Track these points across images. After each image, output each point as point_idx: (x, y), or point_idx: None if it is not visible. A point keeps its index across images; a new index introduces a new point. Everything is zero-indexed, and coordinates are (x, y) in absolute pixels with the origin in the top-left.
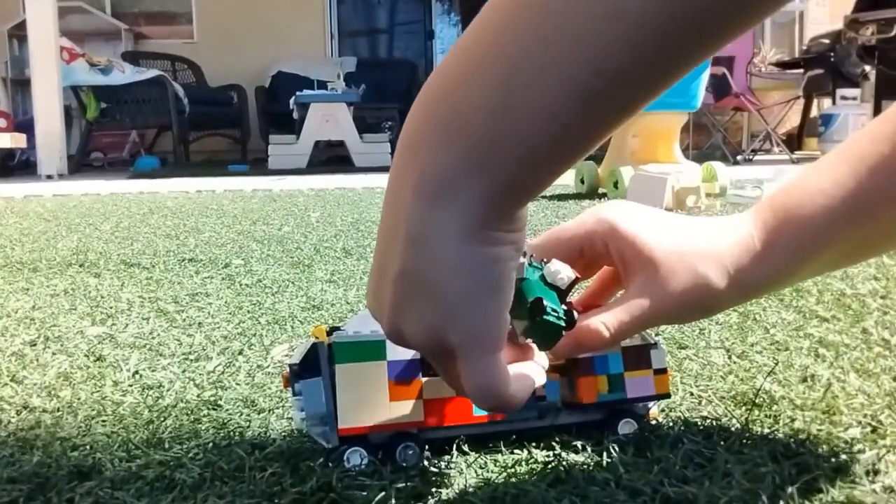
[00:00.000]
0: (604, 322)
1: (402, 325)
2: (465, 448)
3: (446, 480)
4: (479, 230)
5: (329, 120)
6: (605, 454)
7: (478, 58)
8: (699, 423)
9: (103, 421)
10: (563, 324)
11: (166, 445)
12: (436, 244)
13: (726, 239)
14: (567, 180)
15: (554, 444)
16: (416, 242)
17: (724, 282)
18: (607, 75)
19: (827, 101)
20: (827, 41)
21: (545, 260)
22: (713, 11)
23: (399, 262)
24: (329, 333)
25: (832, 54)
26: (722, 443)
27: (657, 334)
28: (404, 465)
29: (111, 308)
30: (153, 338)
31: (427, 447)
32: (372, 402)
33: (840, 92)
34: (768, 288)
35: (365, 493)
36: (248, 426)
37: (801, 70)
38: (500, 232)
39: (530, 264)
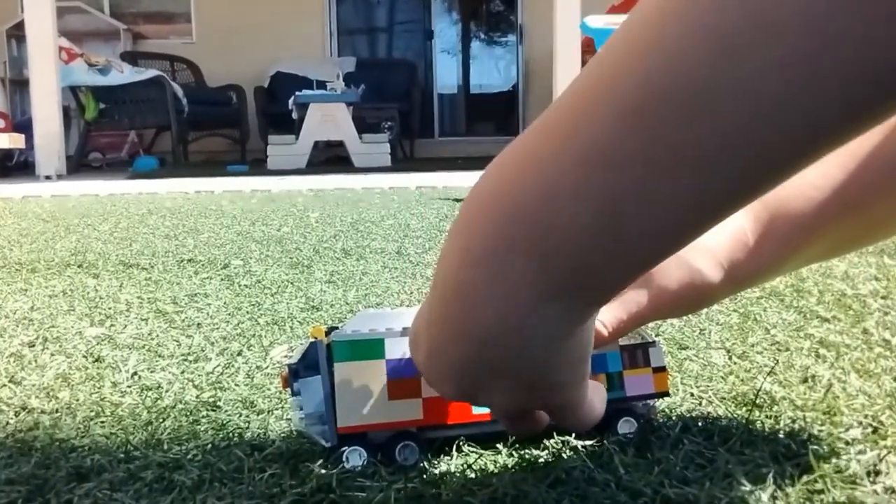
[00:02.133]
0: (601, 320)
1: (491, 398)
2: (465, 448)
3: (446, 481)
4: (580, 322)
5: (328, 120)
6: (605, 455)
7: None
8: (700, 424)
9: (102, 422)
10: None
11: (165, 447)
12: (538, 340)
13: (719, 233)
14: None
15: (554, 444)
16: (513, 334)
17: (718, 275)
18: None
19: None
20: None
21: None
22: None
23: (494, 350)
24: (327, 333)
25: None
26: (723, 443)
27: (657, 334)
28: (404, 463)
29: (110, 309)
30: (152, 339)
31: (427, 447)
32: (371, 400)
33: None
34: (761, 279)
35: (364, 494)
36: (248, 427)
37: None
38: (591, 316)
39: None
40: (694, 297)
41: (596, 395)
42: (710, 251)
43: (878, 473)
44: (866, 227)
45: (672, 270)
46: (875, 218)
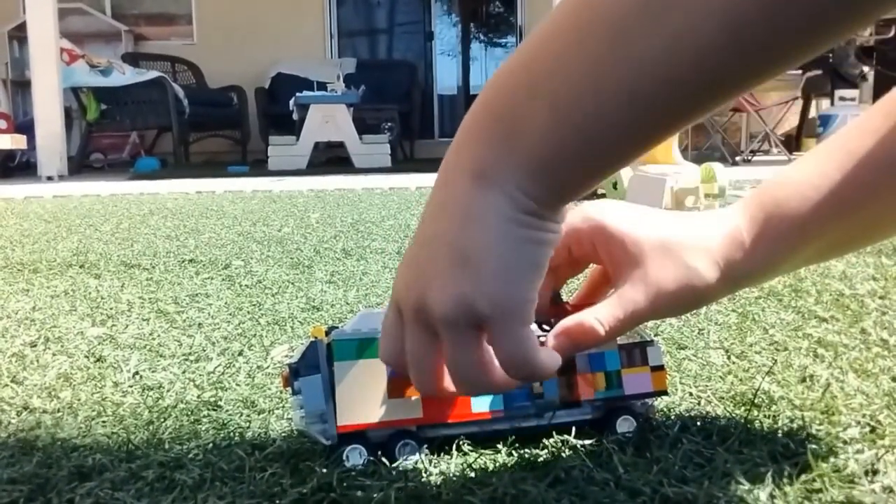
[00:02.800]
0: (598, 318)
1: (429, 292)
2: (465, 448)
3: (446, 480)
4: (525, 214)
5: (329, 121)
6: (604, 454)
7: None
8: (698, 423)
9: (103, 422)
10: None
11: (166, 446)
12: (481, 220)
13: (715, 232)
14: None
15: (553, 443)
16: (463, 217)
17: (714, 274)
18: (700, 70)
19: (825, 102)
20: None
21: None
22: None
23: (442, 233)
24: (328, 333)
25: (831, 55)
26: (721, 443)
27: (656, 334)
28: (404, 461)
29: (111, 309)
30: (153, 339)
31: (426, 446)
32: (371, 399)
33: (838, 93)
34: (757, 279)
35: (365, 493)
36: (248, 427)
37: (800, 71)
38: (543, 220)
39: None
40: (691, 297)
41: (551, 352)
42: (706, 250)
43: (875, 472)
44: (862, 228)
45: (668, 269)
46: (871, 218)
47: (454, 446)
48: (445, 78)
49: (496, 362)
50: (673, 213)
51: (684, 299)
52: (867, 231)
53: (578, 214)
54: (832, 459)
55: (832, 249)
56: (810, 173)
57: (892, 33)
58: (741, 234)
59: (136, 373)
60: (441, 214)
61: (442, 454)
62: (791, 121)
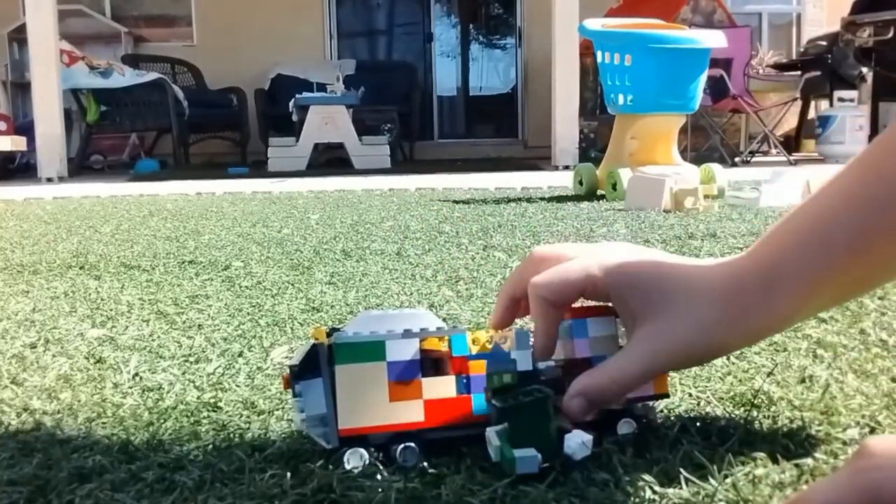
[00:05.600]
0: (612, 377)
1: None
2: (465, 449)
3: (446, 482)
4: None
5: (328, 122)
6: (604, 455)
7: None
8: (698, 424)
9: (103, 423)
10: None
11: (166, 447)
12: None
13: (729, 282)
14: (565, 182)
15: None
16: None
17: (727, 325)
18: None
19: (824, 103)
20: (824, 43)
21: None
22: None
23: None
24: (329, 335)
25: (829, 56)
26: (721, 444)
27: None
28: (404, 464)
29: (111, 310)
30: (153, 340)
31: (427, 448)
32: (372, 402)
33: (837, 94)
34: (774, 327)
35: (365, 494)
36: (248, 428)
37: (799, 72)
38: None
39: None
40: (704, 347)
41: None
42: (719, 301)
43: None
44: (877, 267)
45: (680, 321)
46: (884, 259)
47: (454, 447)
48: (445, 79)
49: None
50: (690, 260)
51: (698, 350)
52: (880, 271)
53: (596, 263)
54: (832, 460)
55: (848, 291)
56: (817, 215)
57: (890, 34)
58: (754, 281)
59: (136, 374)
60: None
61: (442, 455)
62: (790, 122)
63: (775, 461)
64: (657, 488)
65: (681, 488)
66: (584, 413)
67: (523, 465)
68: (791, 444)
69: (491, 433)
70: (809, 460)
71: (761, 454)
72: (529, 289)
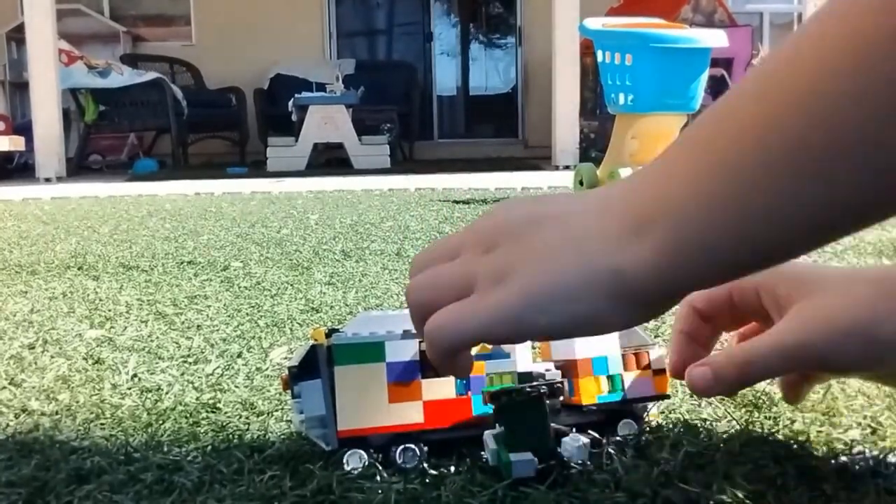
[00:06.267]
0: (742, 347)
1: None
2: (465, 450)
3: (446, 483)
4: (624, 292)
5: (328, 122)
6: (604, 456)
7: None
8: (699, 425)
9: (102, 424)
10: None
11: (165, 448)
12: (590, 259)
13: (889, 270)
14: (566, 182)
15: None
16: (575, 240)
17: (886, 299)
18: (842, 207)
19: None
20: None
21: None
22: None
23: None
24: (328, 335)
25: None
26: (722, 444)
27: (656, 336)
28: (404, 465)
29: (110, 311)
30: (152, 340)
31: (426, 449)
32: (371, 403)
33: None
34: None
35: (364, 496)
36: (247, 429)
37: None
38: (631, 305)
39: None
40: (859, 336)
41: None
42: (881, 281)
43: (877, 474)
44: None
45: (828, 298)
46: None
47: (454, 448)
48: (445, 79)
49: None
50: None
51: (853, 336)
52: None
53: None
54: (833, 461)
55: None
56: None
57: None
58: None
59: (135, 375)
60: (570, 213)
61: (441, 456)
62: None
63: (777, 462)
64: (658, 490)
65: (682, 489)
66: (707, 388)
67: (519, 468)
68: (792, 444)
69: (488, 436)
70: (811, 461)
71: (763, 455)
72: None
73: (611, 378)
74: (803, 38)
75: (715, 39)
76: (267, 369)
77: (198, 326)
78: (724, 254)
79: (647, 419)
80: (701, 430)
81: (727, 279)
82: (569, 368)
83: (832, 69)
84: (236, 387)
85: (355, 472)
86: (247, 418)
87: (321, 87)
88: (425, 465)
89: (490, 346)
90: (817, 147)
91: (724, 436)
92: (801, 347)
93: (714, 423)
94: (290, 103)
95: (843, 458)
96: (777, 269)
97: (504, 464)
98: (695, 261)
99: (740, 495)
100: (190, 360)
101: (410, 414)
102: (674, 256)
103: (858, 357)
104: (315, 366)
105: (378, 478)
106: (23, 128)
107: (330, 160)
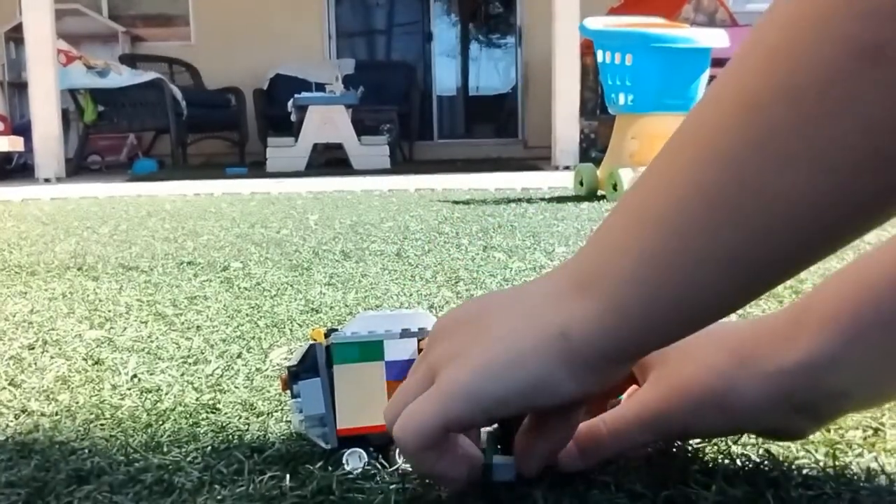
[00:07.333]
0: (603, 420)
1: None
2: None
3: None
4: (575, 358)
5: (327, 122)
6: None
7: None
8: None
9: (102, 425)
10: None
11: (165, 449)
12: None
13: (743, 324)
14: (566, 182)
15: None
16: (525, 316)
17: (738, 371)
18: (764, 259)
19: None
20: None
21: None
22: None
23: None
24: (327, 335)
25: None
26: (722, 445)
27: None
28: (405, 466)
29: (109, 311)
30: (151, 341)
31: None
32: (370, 402)
33: None
34: (821, 379)
35: (364, 496)
36: (247, 429)
37: None
38: (585, 373)
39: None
40: (712, 395)
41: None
42: (729, 342)
43: (878, 476)
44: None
45: (684, 366)
46: None
47: None
48: (444, 79)
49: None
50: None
51: (706, 399)
52: None
53: None
54: (834, 462)
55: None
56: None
57: None
58: (776, 320)
59: (135, 375)
60: (523, 290)
61: None
62: None
63: (777, 463)
64: (658, 490)
65: (682, 490)
66: (576, 467)
67: (500, 472)
68: (793, 446)
69: (483, 434)
70: (811, 461)
71: (763, 456)
72: None
73: None
74: (708, 95)
75: (716, 39)
76: (267, 370)
77: (197, 327)
78: (664, 309)
79: None
80: None
81: (674, 337)
82: None
83: (727, 126)
84: (236, 387)
85: (355, 472)
86: (246, 419)
87: (321, 87)
88: None
89: None
90: (732, 199)
91: (725, 436)
92: (661, 419)
93: None
94: (290, 103)
95: (844, 460)
96: None
97: (485, 466)
98: (637, 316)
99: (741, 496)
100: (190, 360)
101: None
102: (617, 313)
103: (717, 425)
104: (314, 365)
105: (378, 478)
106: (22, 128)
107: (329, 160)
